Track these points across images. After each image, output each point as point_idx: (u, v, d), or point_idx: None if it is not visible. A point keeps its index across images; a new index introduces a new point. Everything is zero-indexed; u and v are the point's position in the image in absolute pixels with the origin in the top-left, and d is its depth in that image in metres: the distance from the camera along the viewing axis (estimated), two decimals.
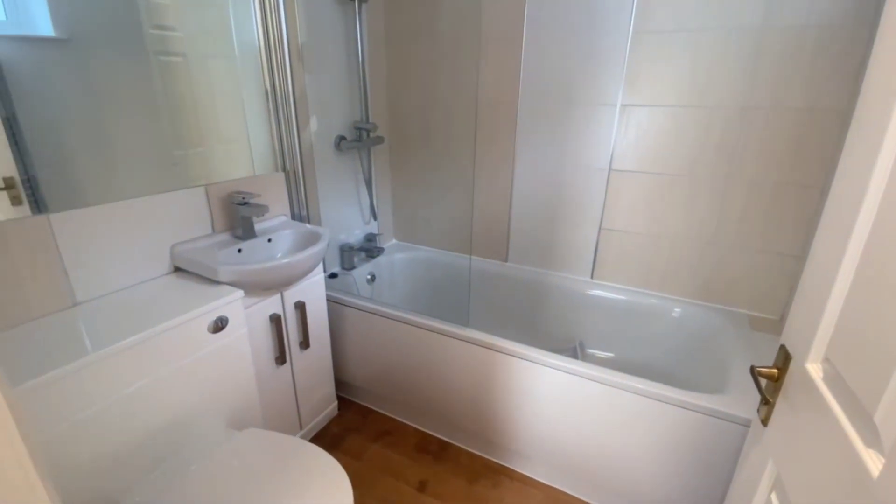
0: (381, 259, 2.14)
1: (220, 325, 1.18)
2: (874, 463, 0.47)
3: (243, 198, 1.39)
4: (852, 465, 0.50)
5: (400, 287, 2.22)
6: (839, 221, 0.60)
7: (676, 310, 1.73)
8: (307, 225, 1.61)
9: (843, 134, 1.30)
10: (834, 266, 0.60)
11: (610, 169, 1.71)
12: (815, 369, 0.63)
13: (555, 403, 1.39)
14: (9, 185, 1.00)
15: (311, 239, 1.50)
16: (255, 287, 1.32)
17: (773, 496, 0.69)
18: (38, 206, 1.03)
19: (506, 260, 2.06)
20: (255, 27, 1.48)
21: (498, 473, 1.58)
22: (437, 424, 1.72)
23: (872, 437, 0.48)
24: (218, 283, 1.24)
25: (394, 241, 2.36)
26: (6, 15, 0.98)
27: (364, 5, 1.81)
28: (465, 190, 2.06)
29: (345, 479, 1.03)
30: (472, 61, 1.84)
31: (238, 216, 1.42)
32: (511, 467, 1.60)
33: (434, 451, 1.67)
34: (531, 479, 1.56)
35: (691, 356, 1.64)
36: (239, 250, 1.39)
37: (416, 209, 2.24)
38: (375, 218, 2.18)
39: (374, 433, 1.75)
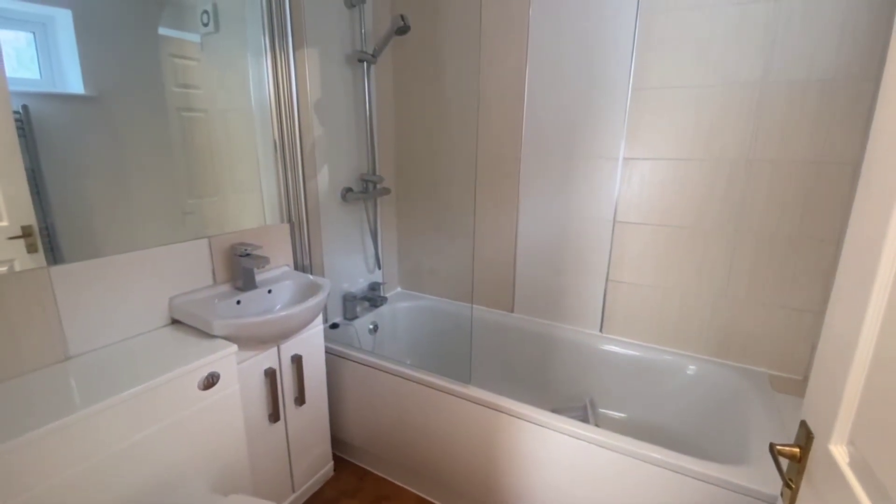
0: (384, 308, 2.11)
1: (211, 382, 1.14)
2: None
3: (245, 249, 1.40)
4: None
5: (403, 337, 2.17)
6: (853, 291, 0.56)
7: (691, 367, 1.64)
8: (309, 276, 1.60)
9: (854, 187, 1.27)
10: (852, 338, 0.55)
11: (615, 220, 1.69)
12: (839, 452, 0.56)
13: (564, 470, 1.29)
14: (27, 233, 1.02)
15: (312, 290, 1.48)
16: (252, 341, 1.30)
17: None
18: (54, 254, 1.05)
19: (512, 310, 2.01)
20: (266, 84, 1.55)
21: None
22: (438, 490, 1.61)
23: None
24: (211, 336, 1.22)
25: (399, 289, 2.34)
26: (41, 73, 1.04)
27: (372, 67, 1.90)
28: (470, 240, 2.05)
29: None
30: (474, 116, 1.89)
31: (239, 267, 1.42)
32: None
33: None
34: None
35: (709, 418, 1.53)
36: (238, 302, 1.37)
37: (421, 258, 2.23)
38: (380, 267, 2.17)
39: (370, 498, 1.64)
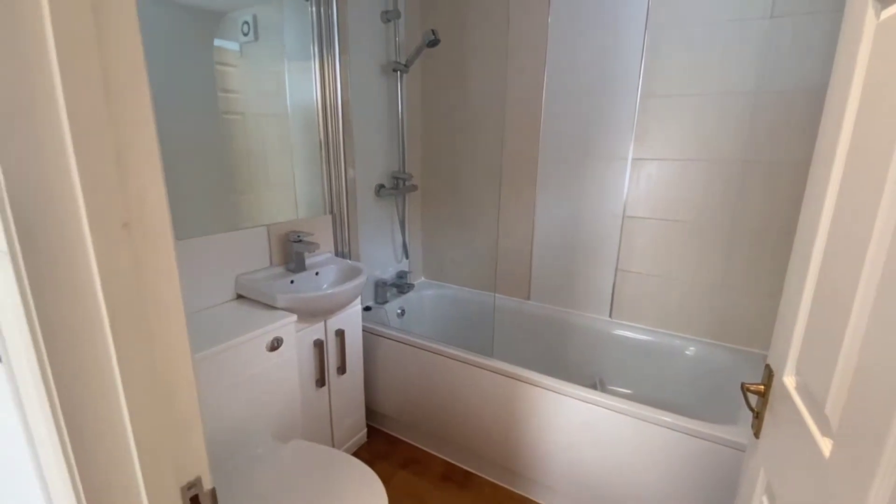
0: (411, 295, 2.31)
1: (275, 345, 1.35)
2: (826, 447, 0.58)
3: (298, 236, 1.61)
4: (813, 454, 0.60)
5: (428, 321, 2.37)
6: (801, 261, 0.74)
7: (691, 348, 1.80)
8: (348, 261, 1.80)
9: None
10: (798, 296, 0.73)
11: (624, 215, 1.87)
12: (790, 381, 0.74)
13: (577, 434, 1.47)
14: None
15: (353, 273, 1.68)
16: (305, 313, 1.50)
17: (765, 500, 0.78)
18: None
19: (528, 298, 2.19)
20: (314, 91, 1.75)
21: None
22: (462, 454, 1.80)
23: (825, 427, 0.59)
24: (273, 308, 1.42)
25: (422, 279, 2.53)
26: None
27: (405, 75, 2.10)
28: (490, 233, 2.24)
29: (381, 486, 1.15)
30: (496, 120, 2.08)
31: (292, 252, 1.62)
32: (533, 499, 1.65)
33: (458, 480, 1.74)
34: None
35: (707, 393, 1.70)
36: (291, 281, 1.58)
37: (444, 250, 2.42)
38: (407, 257, 2.37)
39: (400, 461, 1.84)
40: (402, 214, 2.27)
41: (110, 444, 0.45)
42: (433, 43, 1.94)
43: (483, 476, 1.76)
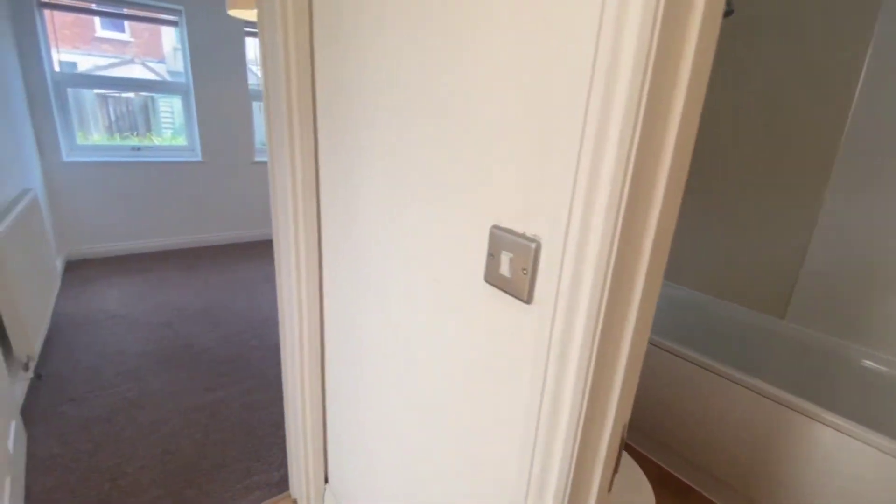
0: None
1: None
2: None
3: None
4: None
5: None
6: None
7: None
8: None
9: None
10: None
11: None
12: None
13: (853, 482, 1.23)
14: None
15: None
16: None
17: None
18: None
19: (783, 317, 1.89)
20: None
21: None
22: (682, 465, 1.68)
23: None
24: None
25: None
26: None
27: None
28: (740, 236, 1.97)
29: (645, 478, 1.14)
30: (781, 108, 1.78)
31: None
32: None
33: (674, 489, 1.64)
34: None
35: None
36: None
37: (679, 249, 2.24)
38: None
39: None
40: None
41: (608, 384, 0.53)
42: (727, 14, 1.73)
43: (706, 495, 1.62)
